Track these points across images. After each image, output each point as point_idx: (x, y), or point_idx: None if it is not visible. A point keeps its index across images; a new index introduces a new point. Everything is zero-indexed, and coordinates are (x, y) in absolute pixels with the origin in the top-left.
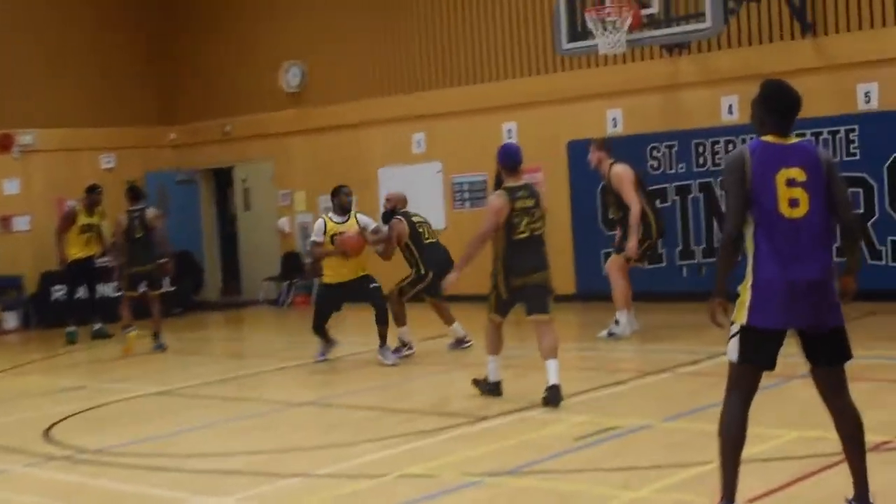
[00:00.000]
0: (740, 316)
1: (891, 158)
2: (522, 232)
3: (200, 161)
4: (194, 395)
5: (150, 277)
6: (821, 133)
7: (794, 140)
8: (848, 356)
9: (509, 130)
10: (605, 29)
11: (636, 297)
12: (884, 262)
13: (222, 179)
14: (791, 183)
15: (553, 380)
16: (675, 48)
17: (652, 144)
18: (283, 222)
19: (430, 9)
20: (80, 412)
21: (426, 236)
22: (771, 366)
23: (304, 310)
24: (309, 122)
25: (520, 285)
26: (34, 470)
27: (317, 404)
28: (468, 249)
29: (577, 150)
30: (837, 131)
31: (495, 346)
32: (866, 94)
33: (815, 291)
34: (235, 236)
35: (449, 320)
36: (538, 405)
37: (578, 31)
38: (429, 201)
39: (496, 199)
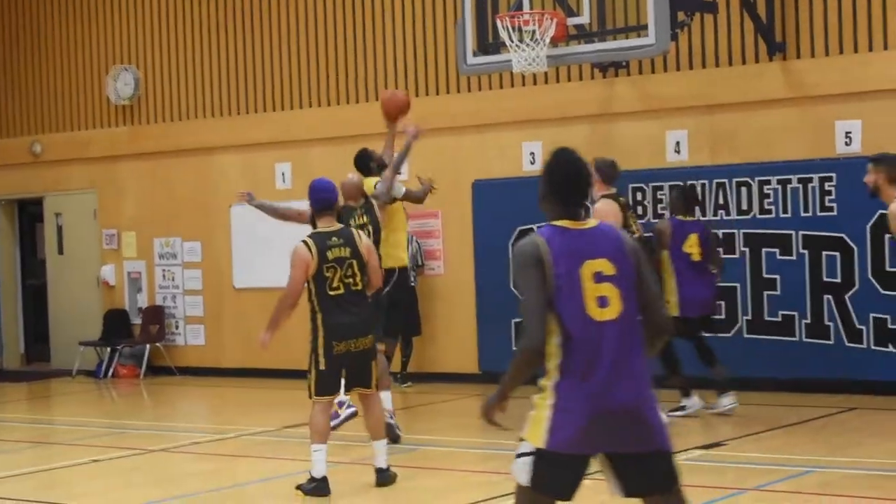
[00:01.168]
0: (535, 436)
1: (876, 215)
2: (336, 288)
3: (0, 189)
4: None
5: None
6: (789, 181)
7: (592, 223)
8: (676, 479)
9: None
10: (521, 41)
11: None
12: (864, 346)
13: (29, 213)
14: (598, 277)
15: (381, 463)
16: (609, 68)
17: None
18: (108, 271)
19: (302, 8)
20: None
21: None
22: (568, 496)
23: (131, 383)
24: (143, 144)
25: (342, 352)
26: None
27: None
28: (275, 311)
29: (485, 192)
30: (810, 179)
31: (321, 432)
32: (847, 135)
33: (633, 410)
34: (44, 287)
35: None
36: None
37: (488, 44)
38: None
39: (300, 249)
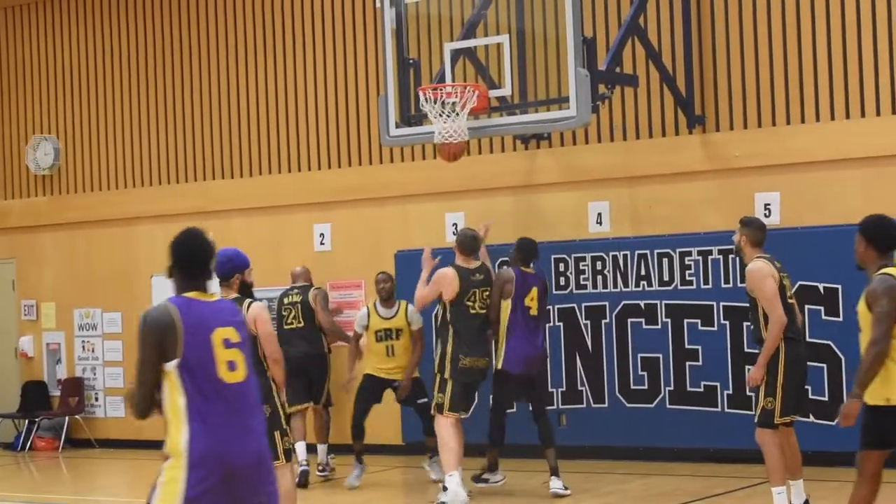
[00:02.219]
0: (169, 502)
1: (796, 285)
2: None
3: None
4: None
5: None
6: (710, 252)
7: (215, 297)
8: None
9: (322, 234)
10: (443, 112)
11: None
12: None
13: None
14: (227, 344)
15: None
16: (531, 139)
17: (501, 258)
18: (26, 342)
19: (224, 78)
20: None
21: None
22: None
23: (49, 456)
24: (63, 214)
25: None
26: None
27: None
28: None
29: (408, 263)
30: (730, 250)
31: None
32: (766, 207)
33: (258, 466)
34: None
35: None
36: None
37: (411, 116)
38: None
39: None
